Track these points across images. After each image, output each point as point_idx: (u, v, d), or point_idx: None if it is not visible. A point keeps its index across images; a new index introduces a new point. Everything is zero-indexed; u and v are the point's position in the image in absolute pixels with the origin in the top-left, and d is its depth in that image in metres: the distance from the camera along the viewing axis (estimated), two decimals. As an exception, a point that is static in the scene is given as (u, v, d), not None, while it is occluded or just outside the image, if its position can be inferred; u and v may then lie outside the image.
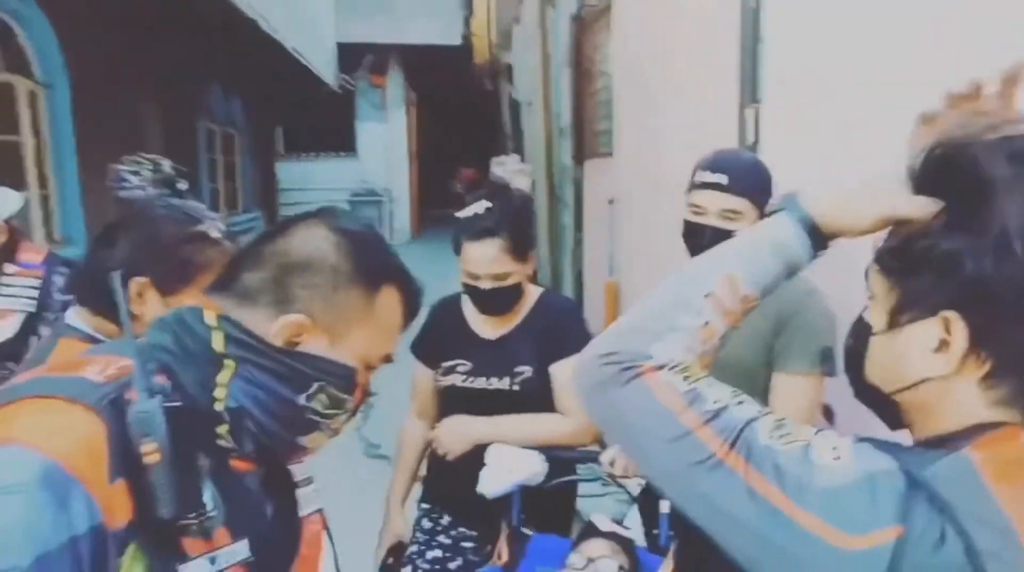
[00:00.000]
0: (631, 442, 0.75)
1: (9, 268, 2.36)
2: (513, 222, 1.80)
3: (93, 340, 1.30)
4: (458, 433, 1.84)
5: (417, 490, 2.06)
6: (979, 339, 0.67)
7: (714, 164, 1.68)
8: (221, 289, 0.86)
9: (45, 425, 0.69)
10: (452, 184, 17.21)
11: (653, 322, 0.77)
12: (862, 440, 0.68)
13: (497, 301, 1.84)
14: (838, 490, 0.62)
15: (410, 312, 0.94)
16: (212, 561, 0.75)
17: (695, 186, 1.71)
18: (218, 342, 0.81)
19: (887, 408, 0.78)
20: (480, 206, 1.80)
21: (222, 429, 0.81)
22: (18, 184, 4.59)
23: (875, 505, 0.61)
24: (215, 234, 1.36)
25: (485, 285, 1.81)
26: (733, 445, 0.66)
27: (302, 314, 0.83)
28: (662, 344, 0.74)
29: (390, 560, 1.94)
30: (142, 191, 3.47)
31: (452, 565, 1.95)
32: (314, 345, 0.84)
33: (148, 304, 1.27)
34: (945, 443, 0.68)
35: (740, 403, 0.72)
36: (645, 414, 0.71)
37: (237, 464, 0.83)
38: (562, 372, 1.87)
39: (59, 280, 2.42)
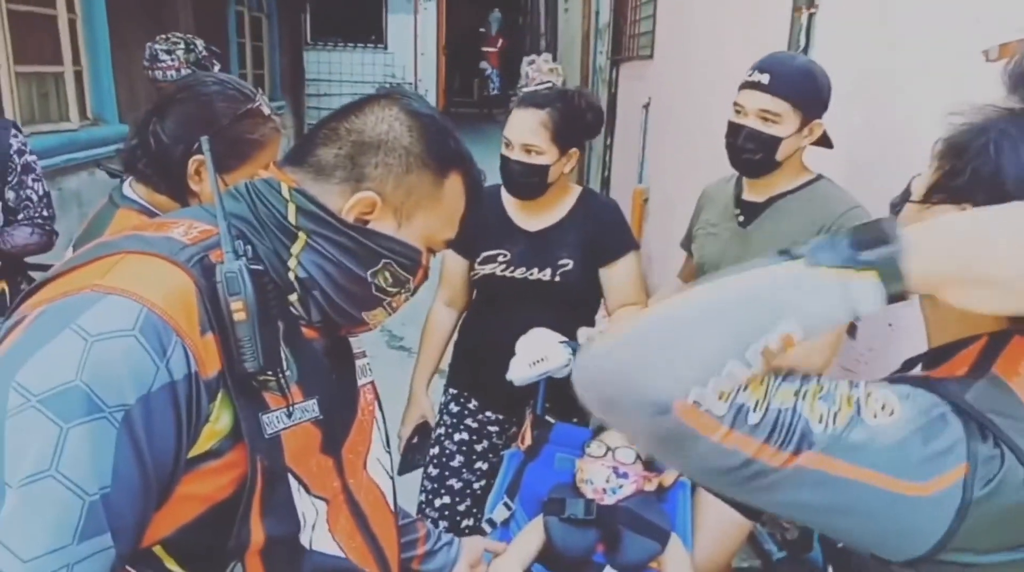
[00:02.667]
0: (691, 471, 0.71)
1: None
2: (565, 107, 1.80)
3: (149, 213, 1.34)
4: None
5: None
6: None
7: (761, 64, 1.67)
8: (296, 162, 0.88)
9: (143, 278, 0.72)
10: (481, 66, 16.81)
11: (697, 361, 0.64)
12: (895, 381, 0.71)
13: (522, 176, 1.83)
14: (901, 444, 0.64)
15: (474, 199, 0.97)
16: (289, 415, 0.80)
17: (741, 85, 1.71)
18: (292, 214, 0.84)
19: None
20: (543, 86, 1.83)
21: (292, 297, 0.86)
22: (53, 59, 4.58)
23: (938, 449, 0.64)
24: (267, 111, 1.38)
25: (514, 155, 1.82)
26: (793, 447, 0.63)
27: (374, 192, 0.86)
28: (703, 389, 0.63)
29: (415, 439, 2.04)
30: (175, 71, 3.43)
31: (478, 447, 2.06)
32: (382, 224, 0.87)
33: (205, 182, 1.31)
34: (959, 351, 0.74)
35: (778, 387, 0.66)
36: (697, 455, 0.65)
37: (305, 331, 0.88)
38: (613, 274, 1.92)
39: (15, 143, 2.41)
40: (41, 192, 2.48)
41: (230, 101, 1.34)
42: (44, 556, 0.61)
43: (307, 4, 11.75)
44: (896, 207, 0.84)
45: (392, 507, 1.05)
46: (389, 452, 1.09)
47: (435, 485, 2.06)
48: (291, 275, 0.85)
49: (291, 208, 0.84)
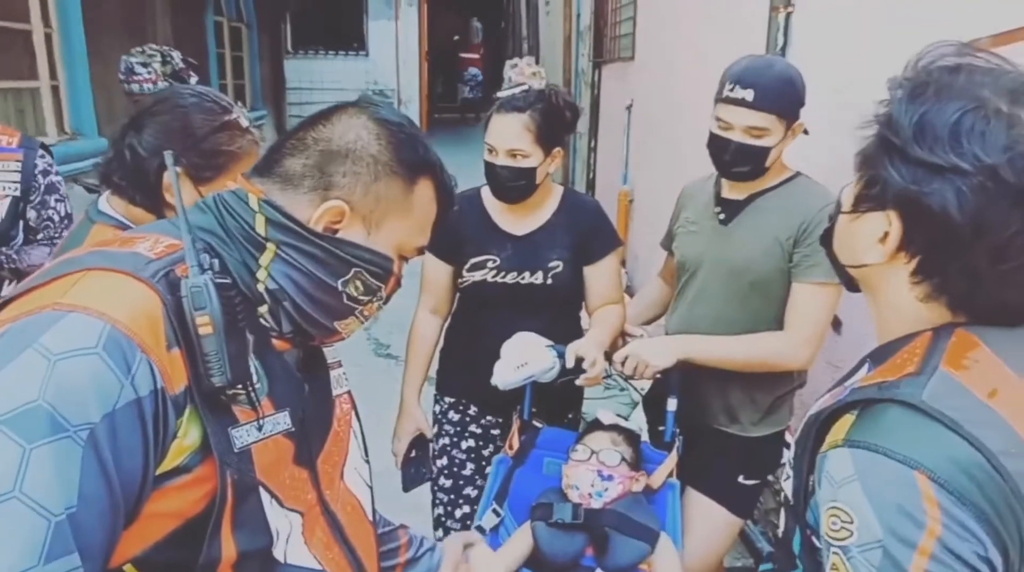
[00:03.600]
0: None
1: None
2: (545, 108, 1.79)
3: (124, 227, 1.34)
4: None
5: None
6: (909, 239, 0.79)
7: (742, 78, 1.65)
8: (263, 173, 0.88)
9: (106, 295, 0.71)
10: (471, 71, 17.00)
11: None
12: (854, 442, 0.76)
13: (509, 180, 1.83)
14: None
15: (445, 205, 0.96)
16: (259, 428, 0.79)
17: (721, 99, 1.69)
18: (260, 225, 0.83)
19: (857, 289, 0.92)
20: (519, 88, 1.81)
21: (262, 309, 0.85)
22: (29, 74, 4.54)
23: None
24: (245, 123, 1.38)
25: (499, 160, 1.81)
26: None
27: (342, 201, 0.85)
28: None
29: (413, 452, 2.00)
30: (152, 84, 3.41)
31: (485, 452, 2.04)
32: (352, 233, 0.86)
33: (182, 189, 1.29)
34: (902, 347, 0.81)
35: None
36: None
37: (276, 343, 0.87)
38: (596, 273, 1.92)
39: (40, 163, 2.40)
40: (63, 213, 2.47)
41: (207, 113, 1.35)
42: None
43: (287, 13, 11.72)
44: (832, 218, 0.92)
45: (370, 517, 1.04)
46: (367, 462, 1.07)
47: (452, 496, 2.03)
48: (260, 287, 0.84)
49: (259, 219, 0.84)
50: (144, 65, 3.03)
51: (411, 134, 0.91)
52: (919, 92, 0.78)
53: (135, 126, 1.36)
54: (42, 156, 2.43)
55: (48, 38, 4.66)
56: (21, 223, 2.39)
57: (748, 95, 1.63)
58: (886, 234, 0.80)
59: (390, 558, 1.16)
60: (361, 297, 0.89)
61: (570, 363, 1.72)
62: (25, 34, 4.50)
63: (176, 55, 3.12)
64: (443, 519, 2.03)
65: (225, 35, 8.49)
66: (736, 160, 1.70)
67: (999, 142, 0.73)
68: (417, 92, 13.82)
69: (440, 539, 1.43)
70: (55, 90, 4.77)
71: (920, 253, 0.79)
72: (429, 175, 0.92)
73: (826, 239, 0.94)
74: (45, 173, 2.42)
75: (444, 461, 2.04)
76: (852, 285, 0.92)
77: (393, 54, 13.38)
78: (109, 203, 1.41)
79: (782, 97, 1.65)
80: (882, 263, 0.82)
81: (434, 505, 2.06)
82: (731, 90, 1.66)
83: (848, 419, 0.78)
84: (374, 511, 1.07)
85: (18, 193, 2.34)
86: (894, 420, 0.74)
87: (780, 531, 0.94)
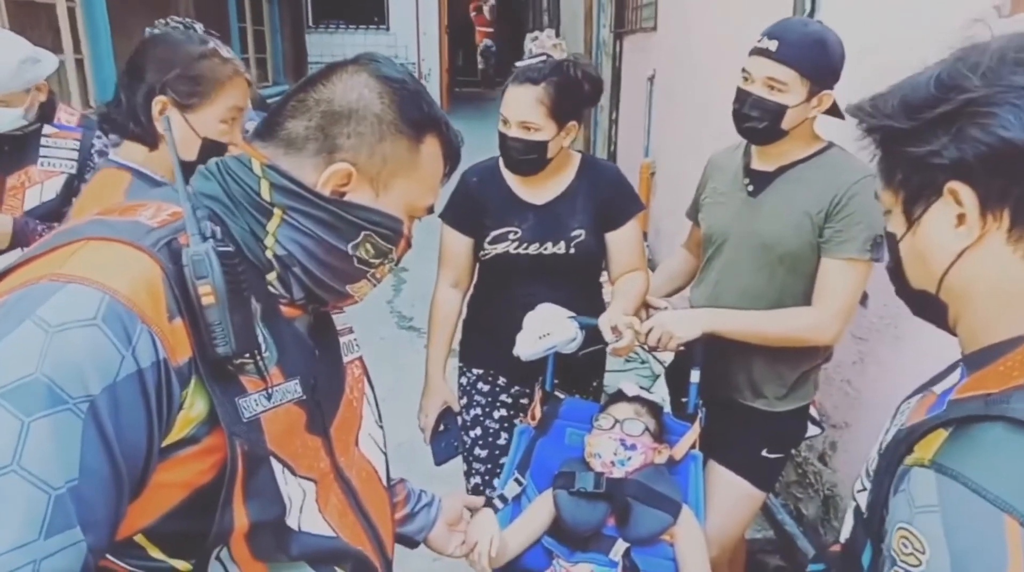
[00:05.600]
0: None
1: (47, 129, 2.39)
2: (560, 81, 1.76)
3: (128, 169, 1.46)
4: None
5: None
6: (988, 197, 0.70)
7: (772, 30, 1.63)
8: (266, 137, 0.85)
9: (105, 265, 0.69)
10: (486, 43, 17.18)
11: None
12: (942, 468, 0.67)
13: (519, 152, 1.81)
14: None
15: (451, 162, 0.94)
16: (268, 397, 0.78)
17: (751, 51, 1.67)
18: (265, 191, 0.82)
19: (942, 315, 0.80)
20: (537, 59, 1.79)
21: (271, 276, 0.84)
22: (54, 47, 4.56)
23: None
24: (225, 53, 1.46)
25: (511, 132, 1.80)
26: None
27: (348, 163, 0.83)
28: None
29: (442, 426, 2.00)
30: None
31: (517, 421, 2.03)
32: (360, 195, 0.85)
33: (172, 123, 1.40)
34: (1007, 352, 0.71)
35: None
36: None
37: (286, 310, 0.86)
38: (618, 239, 1.91)
39: (97, 142, 2.46)
40: None
41: (188, 44, 1.44)
42: (9, 552, 0.58)
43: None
44: (889, 264, 0.85)
45: (385, 483, 1.04)
46: (382, 427, 1.07)
47: (488, 466, 2.03)
48: (268, 253, 0.83)
49: (264, 185, 0.82)
50: (166, 37, 3.04)
51: (414, 90, 0.88)
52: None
53: (128, 67, 1.47)
54: (99, 136, 2.47)
55: (71, 12, 4.69)
56: (74, 200, 2.43)
57: (772, 46, 1.61)
58: (960, 215, 0.72)
59: None
60: (372, 260, 0.89)
61: (607, 336, 1.70)
62: (49, 8, 4.52)
63: (199, 27, 3.12)
64: (481, 488, 2.03)
65: (247, 8, 8.48)
66: (750, 113, 1.67)
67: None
68: (437, 65, 13.74)
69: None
70: (79, 63, 4.80)
71: (1007, 202, 0.70)
72: (435, 132, 0.90)
73: (900, 284, 0.84)
74: (101, 153, 2.44)
75: (478, 431, 2.04)
76: (940, 317, 0.81)
77: (414, 28, 13.31)
78: (116, 153, 1.52)
79: (807, 55, 1.61)
80: (974, 243, 0.72)
81: (469, 476, 2.07)
82: (759, 41, 1.65)
83: (940, 434, 0.69)
84: (388, 476, 1.06)
85: (74, 170, 2.39)
86: (995, 443, 0.64)
87: (843, 537, 0.89)
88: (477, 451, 2.04)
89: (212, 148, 1.42)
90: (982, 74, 0.70)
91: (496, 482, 1.99)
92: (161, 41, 1.45)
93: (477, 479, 2.04)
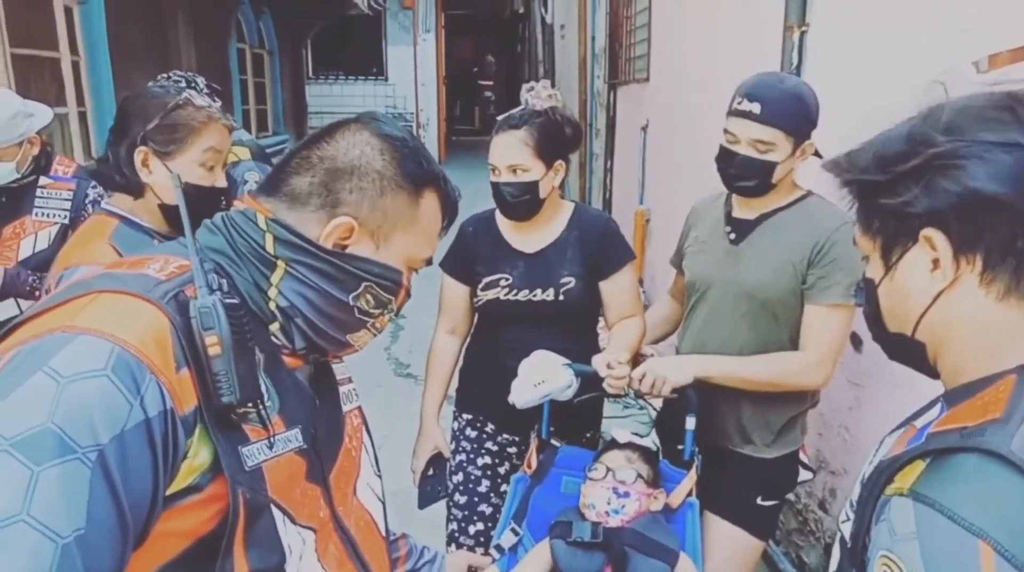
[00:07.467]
0: None
1: (43, 181, 2.43)
2: (542, 123, 1.82)
3: (117, 215, 1.54)
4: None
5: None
6: (961, 242, 0.74)
7: (751, 92, 1.66)
8: (270, 192, 0.88)
9: (116, 317, 0.71)
10: (486, 94, 17.85)
11: None
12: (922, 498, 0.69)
13: (513, 196, 1.85)
14: None
15: (449, 216, 0.98)
16: (270, 446, 0.80)
17: (730, 112, 1.70)
18: (270, 244, 0.85)
19: (919, 356, 0.84)
20: (517, 109, 1.85)
21: (274, 326, 0.86)
22: (58, 100, 4.65)
23: None
24: (199, 102, 1.53)
25: (502, 178, 1.84)
26: None
27: (350, 217, 0.86)
28: None
29: (431, 471, 2.01)
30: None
31: (501, 470, 2.04)
32: (361, 248, 0.88)
33: (154, 170, 1.51)
34: (984, 388, 0.74)
35: None
36: None
37: (288, 360, 0.88)
38: (612, 287, 1.93)
39: (92, 193, 2.49)
40: None
41: (163, 97, 1.51)
42: None
43: (308, 39, 11.92)
44: (866, 310, 0.88)
45: (383, 532, 1.04)
46: (379, 476, 1.08)
47: (466, 513, 2.03)
48: (272, 305, 0.85)
49: (268, 238, 0.85)
50: (168, 92, 3.11)
51: (414, 148, 0.92)
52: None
53: (114, 124, 1.55)
54: (94, 186, 2.52)
55: (76, 66, 4.78)
56: None
57: (755, 108, 1.64)
58: (935, 259, 0.76)
59: (391, 568, 1.16)
60: (372, 310, 0.91)
61: (601, 371, 1.73)
62: (54, 62, 4.62)
63: (201, 81, 3.19)
64: (456, 535, 2.03)
65: (248, 61, 8.64)
66: (741, 174, 1.70)
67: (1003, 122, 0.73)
68: (435, 115, 13.97)
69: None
70: (82, 116, 4.88)
71: (979, 247, 0.74)
72: (433, 187, 0.93)
73: (877, 328, 0.87)
74: (95, 203, 2.49)
75: (460, 477, 2.04)
76: (929, 367, 0.84)
77: (412, 79, 13.58)
78: (108, 202, 1.60)
79: (790, 113, 1.64)
80: (949, 286, 0.76)
81: (448, 521, 2.06)
82: (739, 103, 1.67)
83: (918, 465, 0.71)
84: (386, 526, 1.07)
85: (67, 221, 2.43)
86: (970, 473, 0.67)
87: (832, 569, 0.90)
88: (457, 497, 2.04)
89: (194, 192, 1.48)
90: (946, 129, 0.74)
91: (472, 529, 2.00)
92: (140, 97, 1.54)
93: (453, 525, 2.04)
